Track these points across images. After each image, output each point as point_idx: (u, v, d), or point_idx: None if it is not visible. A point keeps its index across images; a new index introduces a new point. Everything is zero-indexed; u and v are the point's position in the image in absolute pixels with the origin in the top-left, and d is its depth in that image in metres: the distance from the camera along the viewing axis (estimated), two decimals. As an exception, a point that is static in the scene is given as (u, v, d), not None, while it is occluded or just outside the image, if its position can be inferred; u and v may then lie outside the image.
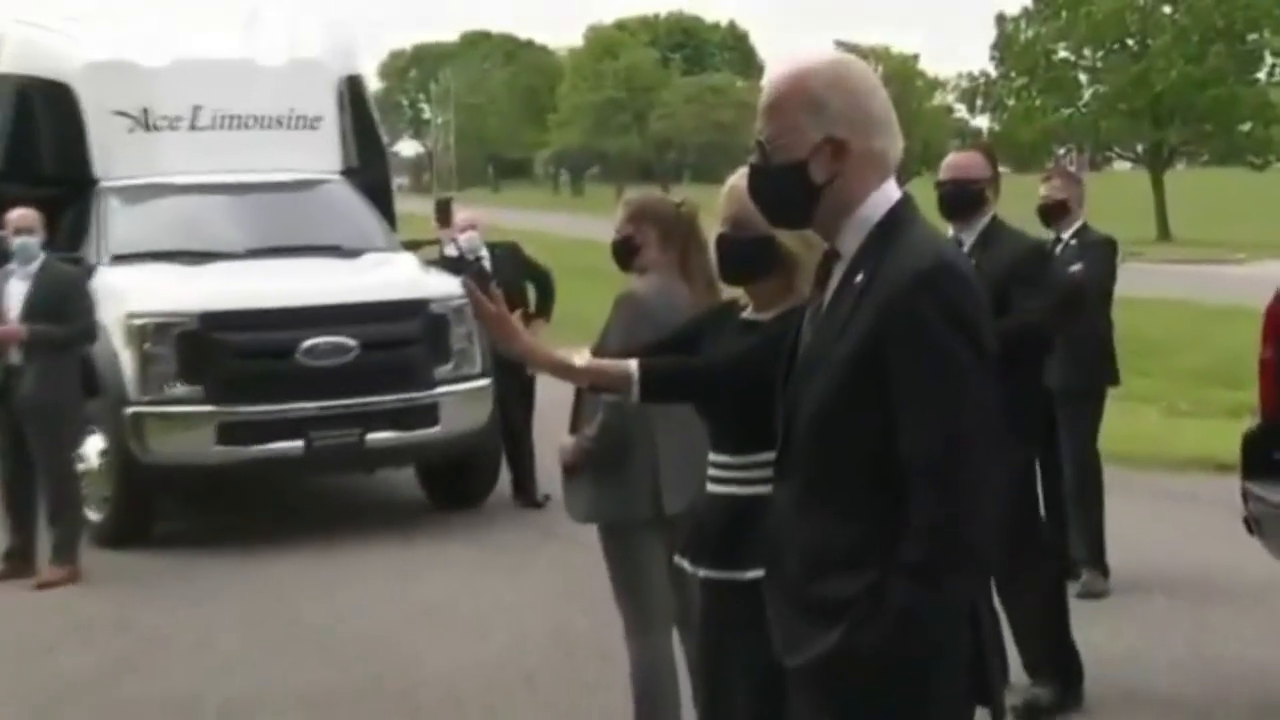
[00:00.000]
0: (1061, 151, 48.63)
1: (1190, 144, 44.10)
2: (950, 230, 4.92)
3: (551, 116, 77.61)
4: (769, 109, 2.29)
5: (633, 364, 2.98)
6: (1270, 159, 42.03)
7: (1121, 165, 63.05)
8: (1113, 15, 40.30)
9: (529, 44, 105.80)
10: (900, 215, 2.25)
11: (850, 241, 2.26)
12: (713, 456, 3.10)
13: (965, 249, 4.76)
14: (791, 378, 2.33)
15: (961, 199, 4.85)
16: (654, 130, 72.49)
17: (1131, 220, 32.33)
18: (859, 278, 2.21)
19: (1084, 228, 6.35)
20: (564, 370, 2.99)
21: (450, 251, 8.68)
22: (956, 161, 4.97)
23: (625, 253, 4.22)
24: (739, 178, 3.05)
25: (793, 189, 2.27)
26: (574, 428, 4.25)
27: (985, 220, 4.84)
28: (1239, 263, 27.21)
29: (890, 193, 2.28)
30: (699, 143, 70.75)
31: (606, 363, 3.08)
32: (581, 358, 3.02)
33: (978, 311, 2.18)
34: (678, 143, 72.39)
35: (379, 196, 9.42)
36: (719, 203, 3.15)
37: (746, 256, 3.07)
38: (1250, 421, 5.13)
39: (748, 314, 3.15)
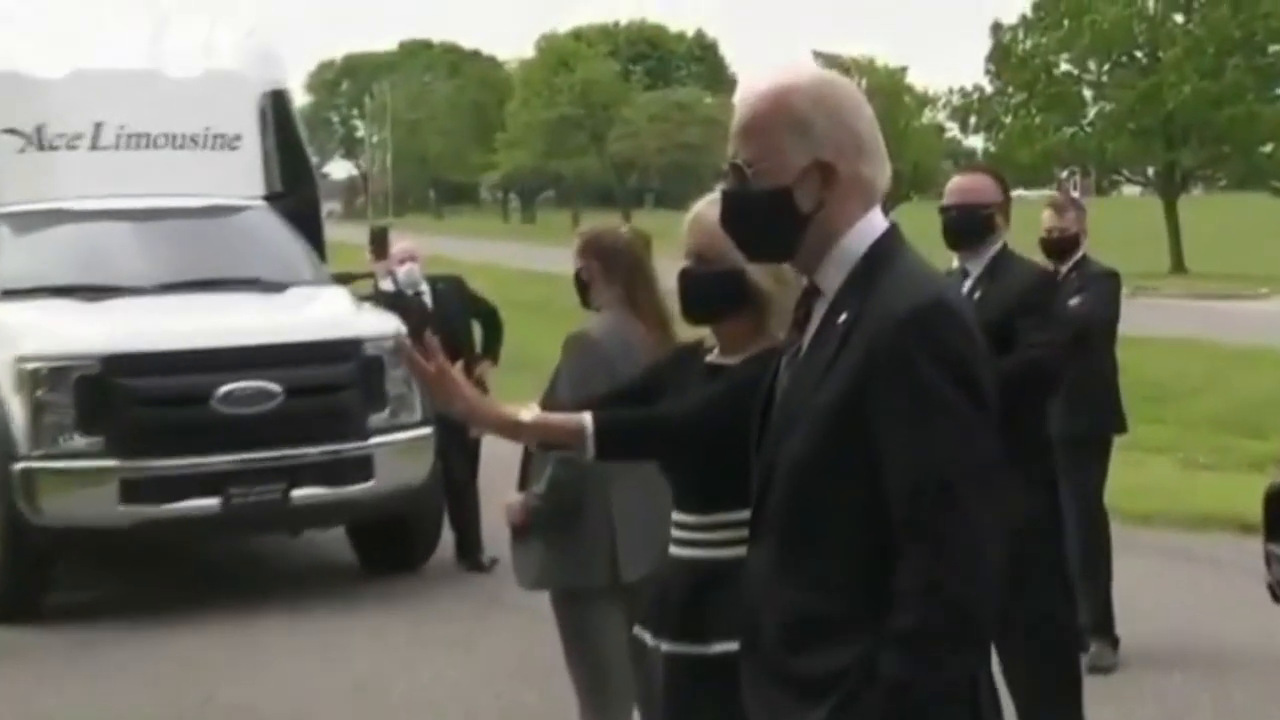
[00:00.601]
0: (1064, 175, 49.06)
1: (1206, 167, 44.51)
2: (955, 260, 4.97)
3: (500, 135, 77.73)
4: (748, 129, 2.31)
5: (586, 419, 2.99)
6: (1293, 183, 42.56)
7: (1130, 190, 63.79)
8: (1119, 25, 40.68)
9: (475, 55, 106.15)
10: (888, 248, 2.28)
11: (833, 277, 2.28)
12: (676, 516, 3.11)
13: (971, 280, 4.81)
14: (767, 429, 2.34)
15: (969, 225, 4.90)
16: (614, 150, 72.73)
17: (1142, 250, 32.66)
18: (843, 317, 2.22)
19: (1084, 259, 6.42)
20: (511, 429, 2.99)
21: (386, 286, 8.68)
22: (964, 184, 5.02)
23: (581, 289, 4.28)
24: (705, 205, 3.09)
25: (777, 218, 2.28)
26: (523, 484, 4.27)
27: (995, 249, 4.89)
28: (1261, 298, 27.47)
29: (876, 223, 2.30)
30: (664, 164, 71.08)
31: (557, 418, 3.08)
32: (529, 413, 3.02)
33: (973, 353, 2.20)
34: (640, 164, 72.68)
35: (306, 224, 9.40)
36: (682, 233, 3.18)
37: (713, 293, 3.10)
38: (1275, 475, 5.17)
39: (714, 357, 3.17)
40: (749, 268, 2.98)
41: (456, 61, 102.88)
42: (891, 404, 2.14)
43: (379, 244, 8.79)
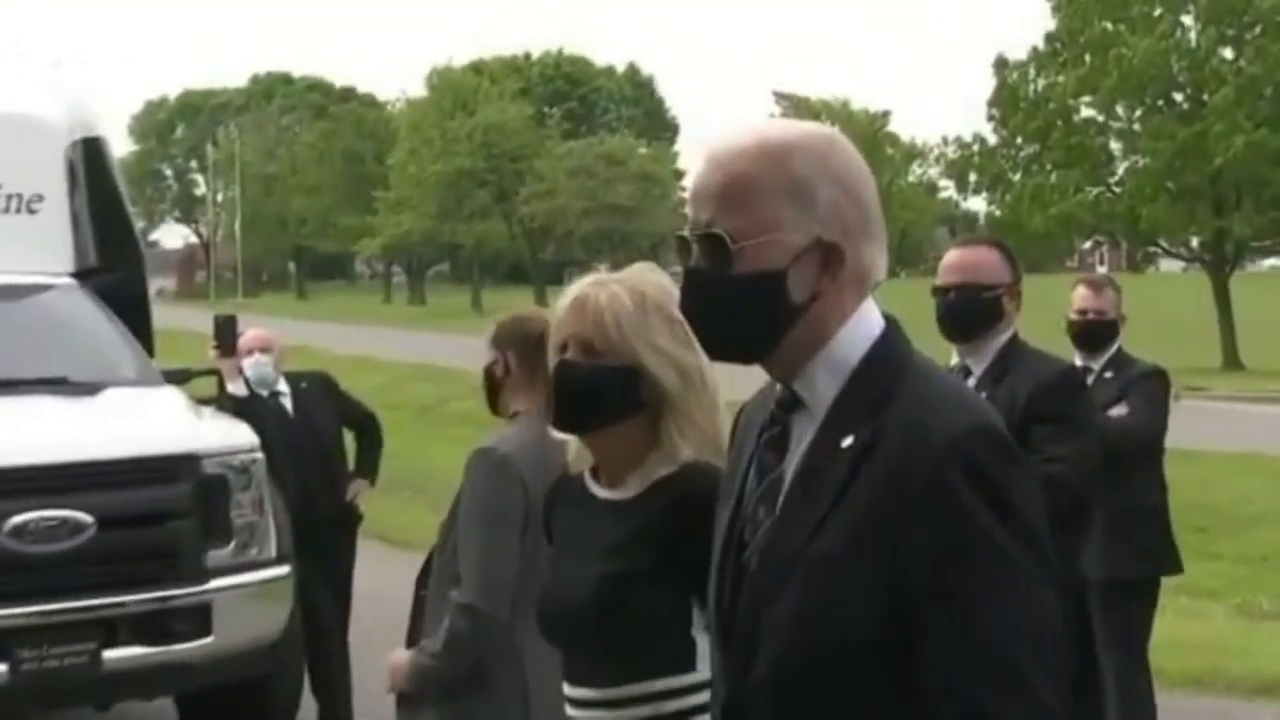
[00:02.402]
0: (1087, 246, 49.76)
1: (1263, 237, 45.23)
2: (954, 355, 4.98)
3: (381, 194, 78.02)
4: (732, 195, 2.30)
5: None
6: (1371, 257, 43.34)
7: (1170, 265, 64.91)
8: (1154, 61, 41.36)
9: (348, 93, 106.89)
10: (895, 352, 2.30)
11: (823, 387, 2.29)
12: (575, 691, 3.15)
13: (974, 380, 4.83)
14: (736, 581, 2.32)
15: (971, 311, 4.93)
16: (525, 213, 73.22)
17: (1186, 340, 33.11)
18: (848, 441, 2.22)
19: (1121, 353, 6.47)
20: None
21: (236, 390, 8.58)
22: (964, 260, 5.06)
23: (490, 389, 4.30)
24: (590, 285, 3.18)
25: (762, 309, 2.28)
26: (412, 638, 4.25)
27: (1002, 340, 4.92)
28: (1334, 400, 27.83)
29: (872, 318, 2.32)
30: (588, 231, 71.59)
31: None
32: None
33: (1027, 492, 2.21)
34: (558, 230, 73.16)
35: (129, 306, 9.33)
36: (556, 321, 3.23)
37: (602, 393, 3.14)
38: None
39: (603, 490, 3.22)
40: (648, 362, 3.06)
41: (323, 101, 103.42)
42: (931, 557, 2.14)
43: (225, 336, 8.68)
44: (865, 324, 2.30)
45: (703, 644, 3.03)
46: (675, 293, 3.11)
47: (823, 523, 2.20)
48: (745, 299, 2.29)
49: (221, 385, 8.74)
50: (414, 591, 4.35)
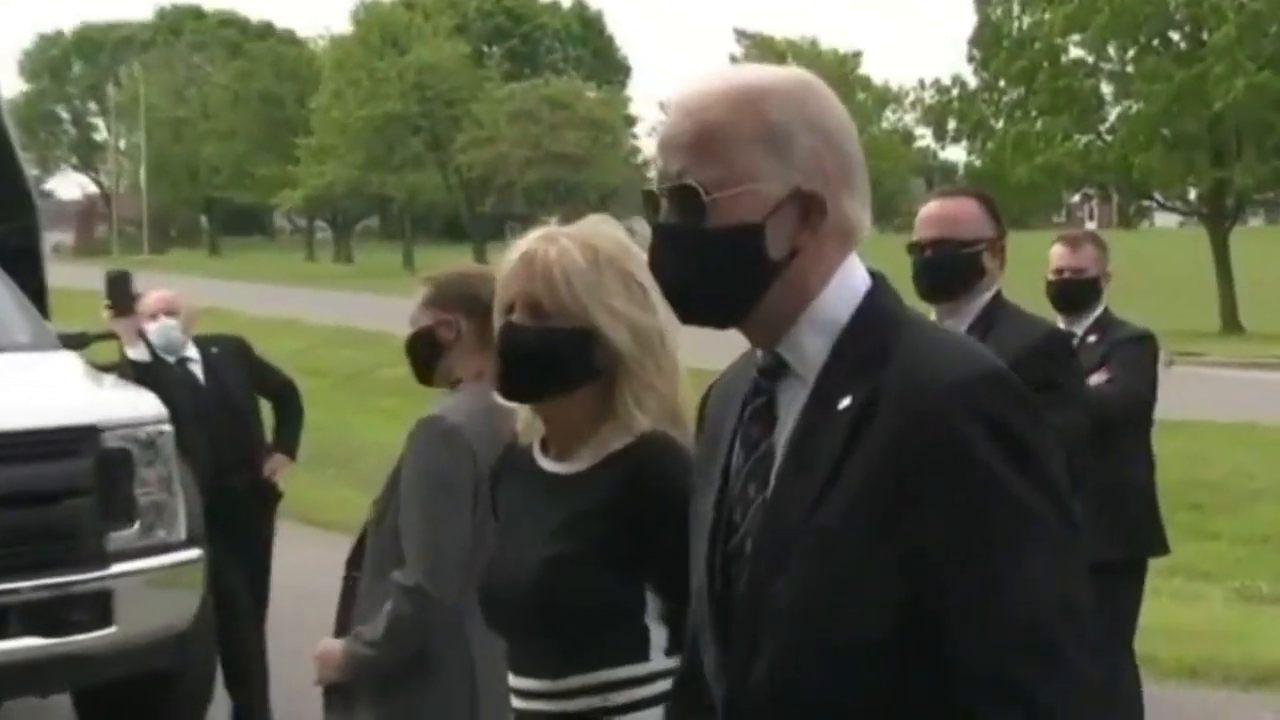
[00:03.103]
0: (1076, 199, 49.80)
1: (1266, 189, 45.46)
2: (932, 316, 5.01)
3: (302, 141, 77.64)
4: (705, 142, 2.31)
5: None
6: (1382, 211, 43.59)
7: (1166, 220, 65.26)
8: (1148, -3, 41.56)
9: (266, 29, 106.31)
10: (886, 307, 2.31)
11: (812, 349, 2.30)
12: (519, 681, 3.17)
13: None
14: (732, 565, 2.32)
15: (950, 268, 4.94)
16: (461, 162, 73.00)
17: (1182, 302, 33.27)
18: (845, 403, 2.22)
19: (1106, 315, 6.50)
20: None
21: (138, 354, 8.54)
22: (942, 212, 5.07)
23: (425, 355, 4.24)
24: (539, 240, 3.18)
25: (738, 266, 2.29)
26: (342, 626, 4.24)
27: (984, 299, 4.94)
28: (1341, 366, 28.01)
29: (857, 274, 2.33)
30: (531, 182, 71.44)
31: None
32: None
33: (1046, 443, 2.21)
34: (499, 181, 72.99)
35: (20, 263, 9.30)
36: (502, 278, 3.23)
37: (553, 358, 3.15)
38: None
39: (551, 463, 3.23)
40: (602, 323, 3.08)
41: (238, 38, 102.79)
42: (948, 520, 2.13)
43: (119, 293, 8.58)
44: (850, 280, 2.31)
45: (656, 633, 3.05)
46: (632, 248, 3.11)
47: (822, 495, 2.19)
48: (720, 255, 2.29)
49: (121, 349, 8.71)
50: (344, 574, 4.33)
